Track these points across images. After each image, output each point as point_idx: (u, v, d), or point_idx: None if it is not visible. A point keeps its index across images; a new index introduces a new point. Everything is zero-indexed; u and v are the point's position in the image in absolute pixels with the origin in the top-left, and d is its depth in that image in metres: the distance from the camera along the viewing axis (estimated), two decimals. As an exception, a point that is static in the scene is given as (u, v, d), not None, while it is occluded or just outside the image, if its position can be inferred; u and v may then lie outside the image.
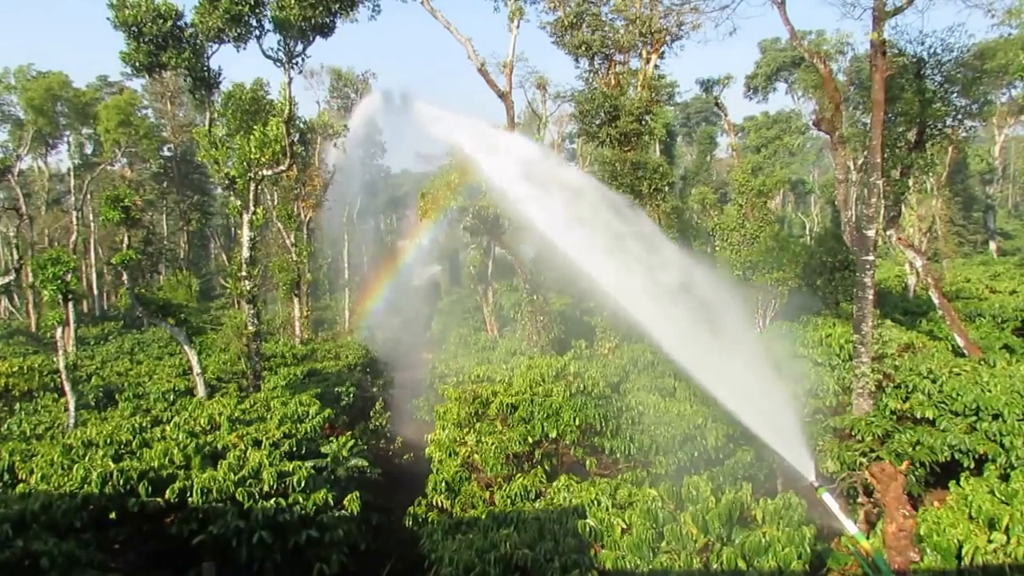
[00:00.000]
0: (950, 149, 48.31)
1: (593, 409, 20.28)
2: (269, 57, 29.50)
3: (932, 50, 24.87)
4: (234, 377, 34.90)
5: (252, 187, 29.81)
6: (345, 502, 18.17)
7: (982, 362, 21.70)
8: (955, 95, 26.16)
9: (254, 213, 29.85)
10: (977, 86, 26.04)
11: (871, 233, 21.61)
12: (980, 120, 32.96)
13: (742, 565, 13.51)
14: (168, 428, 20.75)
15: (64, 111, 63.34)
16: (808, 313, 30.52)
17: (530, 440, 19.82)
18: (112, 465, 17.15)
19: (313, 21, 28.33)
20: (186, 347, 28.39)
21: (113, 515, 16.27)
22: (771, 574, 13.46)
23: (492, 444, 19.74)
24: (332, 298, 72.67)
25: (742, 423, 17.12)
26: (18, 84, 60.30)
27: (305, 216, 55.70)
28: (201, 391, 28.38)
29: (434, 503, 19.31)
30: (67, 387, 26.80)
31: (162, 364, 39.71)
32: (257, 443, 19.84)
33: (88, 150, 69.55)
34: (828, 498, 13.82)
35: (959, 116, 26.90)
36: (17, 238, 49.90)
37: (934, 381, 20.53)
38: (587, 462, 19.87)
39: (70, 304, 29.82)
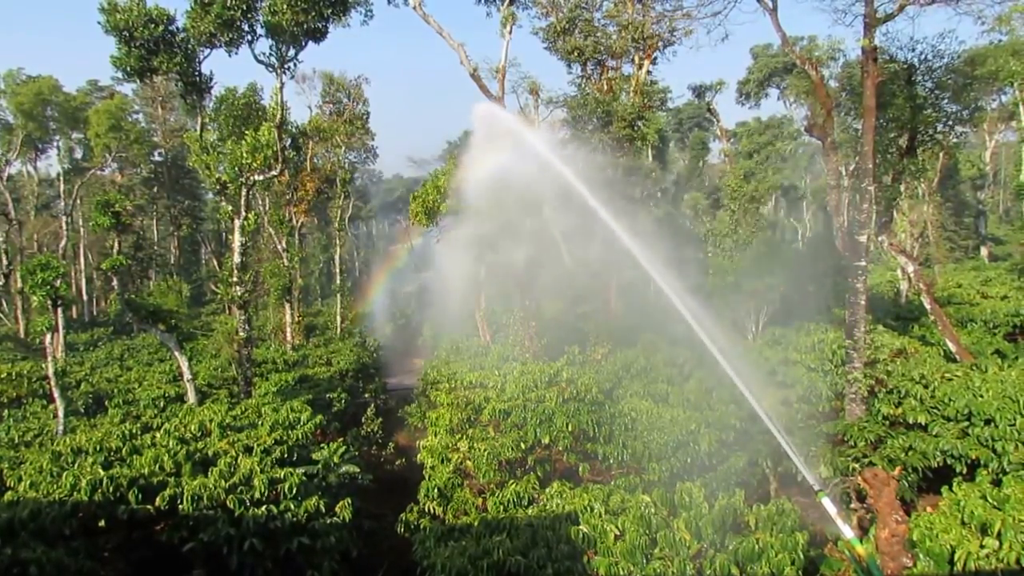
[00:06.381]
0: (941, 155, 48.56)
1: (586, 415, 20.26)
2: (261, 62, 29.47)
3: (923, 56, 25.00)
4: (225, 383, 34.76)
5: (244, 192, 29.73)
6: (337, 509, 18.07)
7: (974, 367, 21.77)
8: (946, 101, 26.29)
9: (245, 218, 29.76)
10: (968, 92, 26.16)
11: (863, 238, 21.67)
12: (971, 126, 33.17)
13: (735, 571, 13.48)
14: (158, 435, 20.61)
15: (54, 116, 63.01)
16: (801, 318, 30.57)
17: (523, 446, 19.79)
18: (102, 472, 17.03)
19: (305, 26, 28.30)
20: (176, 353, 28.25)
21: (102, 523, 16.12)
22: (764, 580, 13.45)
23: (485, 450, 19.69)
24: (324, 303, 72.54)
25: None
26: (7, 88, 59.98)
27: (297, 221, 55.58)
28: (192, 397, 28.23)
29: (426, 509, 19.24)
30: (56, 393, 26.61)
31: (152, 370, 39.51)
32: (248, 450, 19.72)
33: (78, 155, 69.27)
34: (827, 502, 13.79)
35: (950, 122, 27.04)
36: (6, 243, 49.66)
37: (926, 386, 20.59)
38: (580, 468, 19.83)
39: (59, 310, 29.60)
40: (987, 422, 18.06)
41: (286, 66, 29.78)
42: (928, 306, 26.18)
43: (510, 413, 21.03)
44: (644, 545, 14.19)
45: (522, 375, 23.84)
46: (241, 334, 30.59)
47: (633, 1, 36.24)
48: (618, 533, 14.81)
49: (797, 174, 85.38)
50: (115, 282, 29.42)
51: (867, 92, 21.41)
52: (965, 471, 17.33)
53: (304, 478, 18.40)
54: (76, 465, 18.17)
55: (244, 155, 28.88)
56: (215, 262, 78.91)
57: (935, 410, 19.45)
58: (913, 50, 24.94)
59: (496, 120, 26.16)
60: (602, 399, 22.25)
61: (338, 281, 60.81)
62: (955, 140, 32.00)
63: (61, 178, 67.65)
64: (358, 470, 21.67)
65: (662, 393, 23.76)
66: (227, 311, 57.25)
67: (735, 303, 32.09)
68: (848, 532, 13.73)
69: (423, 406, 32.27)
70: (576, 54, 35.91)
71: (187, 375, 28.36)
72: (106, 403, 31.57)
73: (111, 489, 16.45)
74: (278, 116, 29.97)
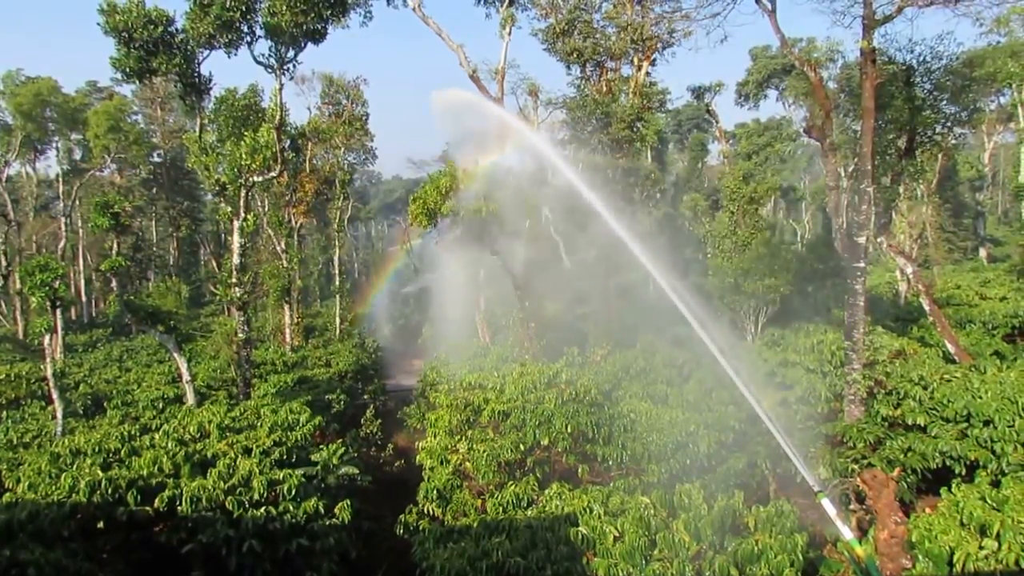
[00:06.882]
0: (940, 156, 48.58)
1: (585, 416, 20.23)
2: (260, 63, 29.47)
3: (922, 58, 25.00)
4: (224, 384, 34.72)
5: (243, 193, 29.73)
6: (336, 510, 18.07)
7: (973, 368, 21.76)
8: (944, 102, 26.28)
9: (245, 219, 29.75)
10: (966, 93, 26.15)
11: (862, 240, 21.68)
12: (969, 127, 33.16)
13: (735, 573, 13.48)
14: (157, 436, 20.62)
15: (53, 117, 62.83)
16: (800, 320, 30.58)
17: (522, 447, 19.77)
18: (100, 473, 17.02)
19: (304, 27, 28.30)
20: (175, 354, 28.23)
21: (101, 524, 16.12)
22: (764, 582, 13.45)
23: (484, 451, 19.68)
24: (323, 305, 72.51)
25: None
26: (7, 89, 59.84)
27: (296, 222, 55.53)
28: (191, 399, 28.21)
29: (425, 511, 19.22)
30: (55, 395, 26.57)
31: (151, 371, 39.47)
32: (247, 451, 19.72)
33: (77, 156, 69.10)
34: (827, 503, 13.81)
35: (949, 123, 27.02)
36: (5, 244, 49.63)
37: (925, 387, 20.58)
38: (579, 469, 19.81)
39: (58, 311, 29.56)
40: (986, 423, 18.05)
41: (285, 67, 29.79)
42: (927, 307, 26.18)
43: (509, 414, 21.02)
44: (643, 546, 14.19)
45: (521, 376, 23.83)
46: (240, 335, 30.57)
47: (632, 3, 36.26)
48: (617, 534, 14.81)
49: (796, 175, 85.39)
50: (114, 283, 29.38)
51: (866, 93, 21.42)
52: (964, 472, 17.33)
53: (303, 479, 18.41)
54: (75, 466, 18.15)
55: (243, 156, 28.89)
56: (214, 263, 78.84)
57: (934, 411, 19.44)
58: (912, 52, 24.95)
59: (456, 100, 26.13)
60: (601, 400, 22.23)
61: (337, 282, 60.75)
62: (954, 141, 32.03)
63: (60, 179, 67.54)
64: (357, 471, 21.67)
65: (661, 394, 23.76)
66: (226, 312, 57.24)
67: (734, 304, 32.09)
68: (847, 533, 13.74)
69: (422, 407, 32.25)
70: (575, 55, 35.94)
71: (186, 376, 28.34)
72: (105, 404, 31.53)
73: (110, 490, 16.44)
74: (277, 117, 29.97)
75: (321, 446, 22.36)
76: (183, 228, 78.56)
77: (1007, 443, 17.13)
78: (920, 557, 13.83)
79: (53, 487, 16.90)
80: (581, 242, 38.61)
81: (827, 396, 22.92)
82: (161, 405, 29.87)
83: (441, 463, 20.76)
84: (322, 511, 17.71)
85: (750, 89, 64.92)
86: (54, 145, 67.30)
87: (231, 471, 18.07)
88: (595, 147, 35.50)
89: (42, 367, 31.09)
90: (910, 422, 19.47)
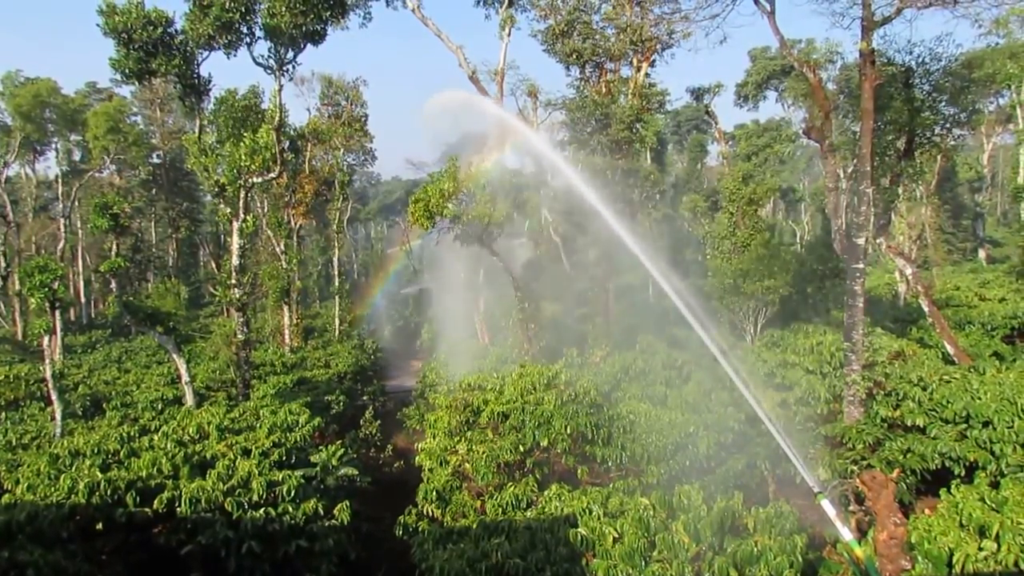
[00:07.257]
0: (939, 157, 48.49)
1: (584, 417, 20.22)
2: (260, 64, 29.50)
3: (920, 59, 25.02)
4: (223, 386, 34.72)
5: (242, 194, 29.75)
6: (335, 511, 18.06)
7: (972, 370, 21.77)
8: (943, 104, 26.30)
9: (244, 220, 29.76)
10: (965, 95, 26.17)
11: (861, 241, 21.69)
12: (968, 128, 33.16)
13: (734, 574, 13.46)
14: (156, 437, 20.59)
15: (52, 118, 62.77)
16: (799, 321, 30.60)
17: (521, 449, 19.76)
18: (99, 475, 16.99)
19: (304, 28, 28.33)
20: (175, 355, 28.22)
21: (100, 525, 16.10)
22: (763, 583, 13.43)
23: (483, 453, 19.67)
24: (322, 306, 72.52)
25: None
26: (6, 90, 59.78)
27: (295, 223, 55.51)
28: (190, 400, 28.20)
29: (425, 512, 19.20)
30: (54, 396, 26.56)
31: (150, 373, 39.46)
32: (246, 452, 19.70)
33: (76, 157, 69.06)
34: (826, 505, 13.81)
35: (948, 124, 27.04)
36: (4, 245, 49.64)
37: (924, 389, 20.59)
38: (579, 471, 19.81)
39: (57, 312, 29.54)
40: (985, 424, 18.07)
41: (284, 68, 29.81)
42: (926, 308, 26.20)
43: (509, 415, 21.01)
44: (642, 548, 14.17)
45: (521, 377, 23.80)
46: (239, 336, 30.58)
47: (631, 4, 36.28)
48: (616, 536, 14.78)
49: (795, 176, 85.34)
50: (113, 284, 29.35)
51: (865, 95, 21.44)
52: (963, 473, 17.34)
53: (302, 480, 18.39)
54: (74, 468, 18.13)
55: (242, 157, 28.89)
56: (213, 264, 78.80)
57: (933, 412, 19.45)
58: (911, 53, 24.97)
59: (454, 102, 26.18)
60: (601, 401, 22.22)
61: (336, 283, 60.69)
62: (953, 143, 31.96)
63: (59, 180, 67.46)
64: (356, 472, 21.67)
65: (660, 395, 23.76)
66: (225, 313, 57.17)
67: (733, 305, 32.11)
68: (847, 534, 13.74)
69: (421, 408, 32.25)
70: (575, 56, 35.96)
71: (185, 377, 28.33)
72: (104, 405, 31.50)
73: (109, 492, 16.42)
74: (276, 118, 29.98)
75: (320, 447, 22.35)
76: (182, 229, 78.47)
77: (1006, 444, 17.15)
78: (919, 558, 13.82)
79: (52, 488, 16.88)
80: (580, 243, 38.63)
81: (826, 397, 22.94)
82: (160, 406, 29.84)
83: (440, 464, 20.75)
84: (321, 512, 17.71)
85: (749, 90, 64.95)
86: (53, 146, 67.26)
87: (230, 472, 18.06)
88: (594, 148, 35.50)
89: (41, 368, 31.08)
90: (909, 423, 19.48)
